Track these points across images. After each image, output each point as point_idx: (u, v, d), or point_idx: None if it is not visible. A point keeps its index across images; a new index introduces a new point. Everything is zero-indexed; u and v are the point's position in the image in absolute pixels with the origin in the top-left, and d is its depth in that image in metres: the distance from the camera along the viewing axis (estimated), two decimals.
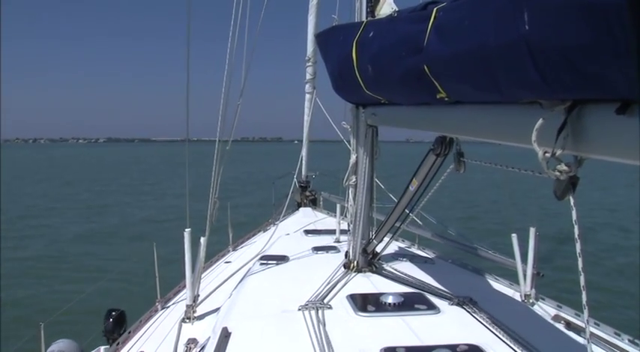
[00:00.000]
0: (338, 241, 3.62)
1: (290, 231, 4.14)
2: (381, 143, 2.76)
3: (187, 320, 2.62)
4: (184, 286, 2.81)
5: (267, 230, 4.67)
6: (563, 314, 2.28)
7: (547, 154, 1.03)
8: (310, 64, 5.29)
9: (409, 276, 2.57)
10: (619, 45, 0.77)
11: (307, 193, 5.74)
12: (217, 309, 2.55)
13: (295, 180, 5.51)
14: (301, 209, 5.51)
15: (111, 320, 3.09)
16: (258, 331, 1.96)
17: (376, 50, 1.91)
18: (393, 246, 3.21)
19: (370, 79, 2.02)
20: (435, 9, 1.45)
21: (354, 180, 2.79)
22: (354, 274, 2.65)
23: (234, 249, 4.29)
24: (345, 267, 2.74)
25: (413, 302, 2.16)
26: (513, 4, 1.01)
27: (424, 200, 2.46)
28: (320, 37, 2.78)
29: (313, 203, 5.69)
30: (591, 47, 0.83)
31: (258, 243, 3.94)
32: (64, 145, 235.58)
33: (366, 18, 2.50)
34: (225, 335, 1.89)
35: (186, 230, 2.77)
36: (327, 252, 3.23)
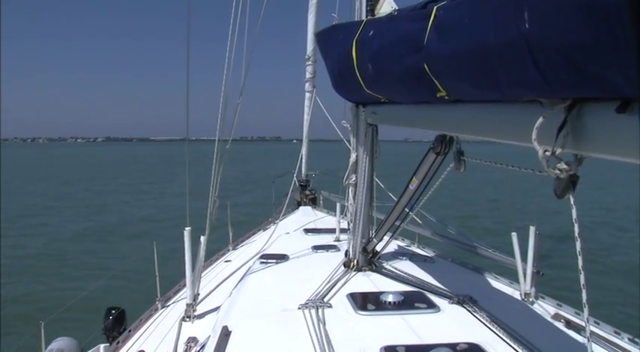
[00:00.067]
0: (338, 240, 3.63)
1: (290, 230, 4.14)
2: (380, 142, 2.76)
3: (187, 319, 2.62)
4: (184, 285, 2.82)
5: (267, 229, 4.67)
6: (563, 313, 2.28)
7: (547, 153, 1.03)
8: (310, 62, 5.28)
9: (409, 275, 2.57)
10: (619, 43, 0.77)
11: (307, 192, 5.74)
12: (217, 308, 2.55)
13: (295, 179, 5.51)
14: (301, 208, 5.51)
15: (111, 318, 3.09)
16: (258, 330, 1.96)
17: (376, 49, 1.91)
18: (393, 245, 3.21)
19: (370, 78, 2.02)
20: (435, 7, 1.45)
21: (354, 179, 2.79)
22: (354, 273, 2.65)
23: (234, 248, 4.29)
24: (345, 266, 2.75)
25: (413, 300, 2.16)
26: (513, 2, 1.01)
27: (424, 199, 2.46)
28: (320, 36, 2.78)
29: (313, 202, 5.70)
30: (591, 46, 0.83)
31: (258, 242, 3.94)
32: (63, 144, 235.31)
33: (366, 17, 2.50)
34: (226, 333, 1.89)
35: (186, 229, 2.77)
36: (327, 251, 3.23)
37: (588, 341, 1.32)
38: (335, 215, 4.25)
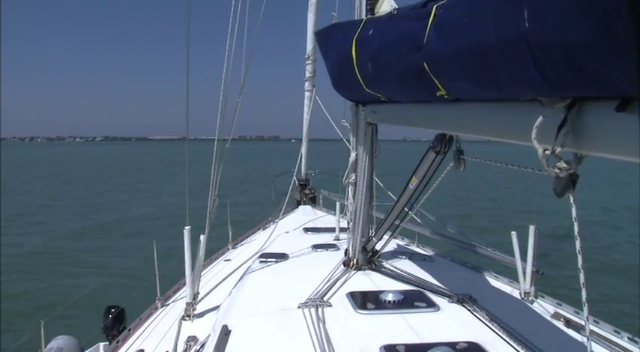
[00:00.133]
0: (337, 239, 3.63)
1: (289, 229, 4.14)
2: (379, 141, 2.76)
3: (187, 318, 2.62)
4: (184, 284, 2.82)
5: (266, 228, 4.67)
6: (562, 312, 2.29)
7: (547, 152, 1.03)
8: (310, 61, 5.28)
9: (409, 274, 2.58)
10: (619, 42, 0.77)
11: (307, 191, 5.74)
12: (217, 307, 2.55)
13: (295, 178, 5.50)
14: (301, 207, 5.51)
15: (110, 317, 3.10)
16: (258, 329, 1.96)
17: (376, 48, 1.91)
18: (393, 244, 3.21)
19: (370, 77, 2.02)
20: (434, 6, 1.45)
21: (353, 178, 2.79)
22: (353, 272, 2.65)
23: (233, 247, 4.29)
24: (344, 265, 2.75)
25: (412, 299, 2.17)
26: (513, 1, 1.01)
27: (424, 198, 2.46)
28: (320, 35, 2.78)
29: (313, 201, 5.69)
30: (591, 45, 0.83)
31: (258, 241, 3.94)
32: (61, 144, 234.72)
33: (366, 16, 2.50)
34: (225, 332, 1.89)
35: (186, 227, 2.77)
36: (327, 250, 3.23)
37: (588, 340, 1.32)
38: (335, 214, 4.25)
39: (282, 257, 3.07)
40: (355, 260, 2.74)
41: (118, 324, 3.09)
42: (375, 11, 2.45)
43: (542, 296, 2.52)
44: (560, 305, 2.39)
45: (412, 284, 2.41)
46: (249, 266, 2.98)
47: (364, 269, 2.69)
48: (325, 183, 5.96)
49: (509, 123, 1.28)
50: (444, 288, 2.33)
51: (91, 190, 21.45)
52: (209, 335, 2.05)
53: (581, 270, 1.12)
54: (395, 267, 2.71)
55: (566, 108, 1.01)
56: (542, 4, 0.94)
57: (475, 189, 18.74)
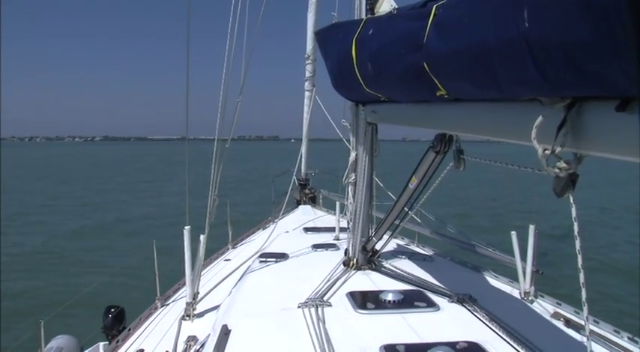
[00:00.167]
0: (337, 239, 3.63)
1: (289, 229, 4.14)
2: (379, 141, 2.76)
3: (187, 318, 2.62)
4: (184, 283, 2.82)
5: (266, 228, 4.67)
6: (562, 312, 2.29)
7: (547, 151, 1.03)
8: (310, 61, 5.28)
9: (409, 274, 2.58)
10: (619, 42, 0.77)
11: (307, 191, 5.74)
12: (217, 307, 2.55)
13: (295, 177, 5.50)
14: (300, 207, 5.51)
15: (110, 316, 3.10)
16: (257, 328, 1.96)
17: (376, 48, 1.91)
18: (393, 244, 3.21)
19: (370, 77, 2.02)
20: (434, 6, 1.45)
21: (353, 177, 2.79)
22: (353, 272, 2.66)
23: (233, 247, 4.29)
24: (344, 265, 2.75)
25: (412, 299, 2.17)
26: (513, 1, 1.01)
27: (423, 198, 2.46)
28: (319, 35, 2.78)
29: (312, 201, 5.69)
30: (591, 44, 0.83)
31: (258, 241, 3.94)
32: (61, 143, 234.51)
33: (366, 15, 2.50)
34: (225, 332, 1.89)
35: (186, 227, 2.76)
36: (327, 250, 3.23)
37: (588, 339, 1.32)
38: (334, 214, 4.25)
39: (282, 257, 3.07)
40: (355, 260, 2.74)
41: (118, 324, 3.09)
42: (375, 11, 2.45)
43: (542, 296, 2.52)
44: (560, 304, 2.39)
45: (412, 284, 2.41)
46: (249, 266, 2.98)
47: (364, 269, 2.70)
48: (325, 183, 5.96)
49: (509, 123, 1.28)
50: (443, 288, 2.33)
51: (90, 190, 21.46)
52: (209, 334, 2.05)
53: (581, 270, 1.12)
54: (395, 267, 2.71)
55: (566, 108, 1.01)
56: (542, 4, 0.94)
57: (473, 189, 18.76)
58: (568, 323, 2.16)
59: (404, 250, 3.29)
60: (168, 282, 3.37)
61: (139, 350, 2.48)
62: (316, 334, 1.82)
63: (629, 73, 0.79)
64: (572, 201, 1.08)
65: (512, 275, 2.72)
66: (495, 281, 2.78)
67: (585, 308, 1.17)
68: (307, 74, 5.35)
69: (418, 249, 3.49)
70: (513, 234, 2.58)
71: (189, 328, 2.49)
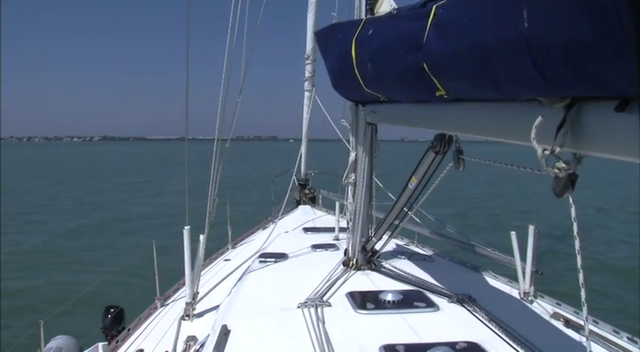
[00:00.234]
0: (337, 239, 3.63)
1: (289, 229, 4.14)
2: (378, 141, 2.76)
3: (187, 318, 2.62)
4: (184, 283, 2.81)
5: (266, 228, 4.66)
6: (562, 312, 2.29)
7: (546, 152, 1.03)
8: (309, 61, 5.27)
9: (408, 274, 2.58)
10: (618, 42, 0.77)
11: (306, 191, 5.74)
12: (217, 307, 2.55)
13: (294, 177, 5.50)
14: (300, 207, 5.51)
15: (109, 317, 3.09)
16: (257, 328, 1.96)
17: (375, 48, 1.91)
18: (392, 244, 3.22)
19: (369, 77, 2.02)
20: (434, 6, 1.45)
21: (353, 177, 2.80)
22: (353, 272, 2.66)
23: (233, 247, 4.29)
24: (344, 265, 2.75)
25: (412, 299, 2.17)
26: (512, 1, 1.01)
27: (423, 198, 2.46)
28: (319, 35, 2.78)
29: (312, 201, 5.69)
30: (590, 44, 0.83)
31: (257, 241, 3.94)
32: (59, 144, 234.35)
33: (366, 15, 2.51)
34: (225, 332, 1.89)
35: (186, 227, 2.76)
36: (327, 250, 3.23)
37: (587, 339, 1.32)
38: (334, 214, 4.25)
39: (281, 257, 3.07)
40: (355, 260, 2.74)
41: (117, 324, 3.09)
42: (375, 11, 2.46)
43: (542, 296, 2.52)
44: (560, 305, 2.39)
45: (412, 284, 2.41)
46: (249, 266, 2.98)
47: (364, 269, 2.70)
48: (325, 183, 5.97)
49: (508, 123, 1.29)
50: (443, 288, 2.33)
51: (89, 189, 21.46)
52: (208, 334, 2.04)
53: (581, 270, 1.13)
54: (394, 267, 2.71)
55: (566, 108, 1.01)
56: (542, 4, 0.94)
57: (470, 189, 18.78)
58: (567, 323, 2.16)
59: (403, 250, 3.29)
60: (168, 282, 3.36)
61: (139, 350, 2.48)
62: (316, 334, 1.82)
63: (629, 73, 0.79)
64: (571, 201, 1.08)
65: (511, 276, 2.73)
66: (495, 282, 2.78)
67: (585, 309, 1.18)
68: (307, 74, 5.35)
69: (418, 249, 3.49)
70: (513, 234, 2.58)
71: (189, 328, 2.48)
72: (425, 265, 2.85)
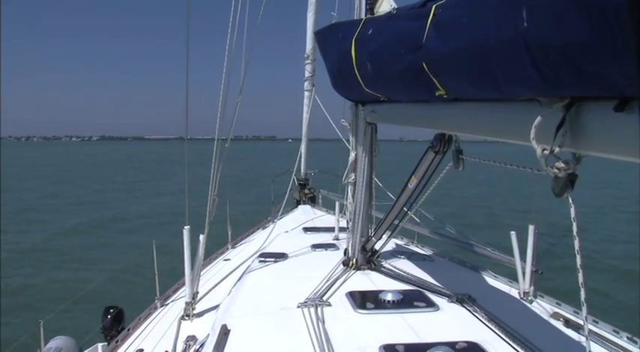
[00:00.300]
0: (337, 239, 3.63)
1: (289, 229, 4.14)
2: (378, 141, 2.76)
3: (186, 318, 2.62)
4: (183, 283, 2.81)
5: (266, 227, 4.66)
6: (561, 312, 2.29)
7: (545, 151, 1.03)
8: (309, 61, 5.27)
9: (408, 274, 2.58)
10: (618, 42, 0.78)
11: (306, 191, 5.74)
12: (216, 306, 2.55)
13: (294, 177, 5.50)
14: (300, 206, 5.51)
15: (109, 317, 3.09)
16: (257, 328, 1.96)
17: (375, 47, 1.91)
18: (392, 244, 3.22)
19: (369, 77, 2.03)
20: (434, 6, 1.45)
21: (353, 177, 2.80)
22: (353, 271, 2.66)
23: (233, 247, 4.28)
24: (344, 265, 2.75)
25: (412, 299, 2.17)
26: (511, 1, 1.01)
27: (423, 197, 2.46)
28: (319, 35, 2.78)
29: (312, 200, 5.69)
30: (590, 44, 0.83)
31: (257, 241, 3.93)
32: (58, 143, 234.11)
33: (365, 15, 2.51)
34: (225, 332, 1.89)
35: (185, 227, 2.76)
36: (326, 250, 3.23)
37: (587, 339, 1.33)
38: (334, 214, 4.25)
39: (281, 256, 3.07)
40: (354, 259, 2.74)
41: (117, 325, 3.09)
42: (375, 11, 2.46)
43: (542, 296, 2.52)
44: (560, 304, 2.39)
45: (411, 284, 2.42)
46: (249, 266, 2.98)
47: (363, 269, 2.70)
48: (324, 183, 5.97)
49: (507, 123, 1.29)
50: (443, 288, 2.34)
51: (87, 189, 21.46)
52: (208, 334, 2.05)
53: (580, 270, 1.13)
54: (394, 267, 2.72)
55: (565, 108, 1.01)
56: (541, 4, 0.94)
57: (468, 188, 18.80)
58: (567, 323, 2.16)
59: (403, 250, 3.29)
60: (166, 281, 3.36)
61: (139, 349, 2.48)
62: (316, 334, 1.82)
63: (628, 73, 0.79)
64: (570, 201, 1.09)
65: (511, 275, 2.73)
66: (495, 281, 2.78)
67: (584, 308, 1.18)
68: (307, 74, 5.35)
69: (417, 249, 3.49)
70: (513, 233, 2.59)
71: (189, 328, 2.48)
72: (425, 265, 2.85)
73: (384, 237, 2.77)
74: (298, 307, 2.13)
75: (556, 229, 8.06)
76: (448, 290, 2.29)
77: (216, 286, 2.92)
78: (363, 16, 2.52)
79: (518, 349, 1.72)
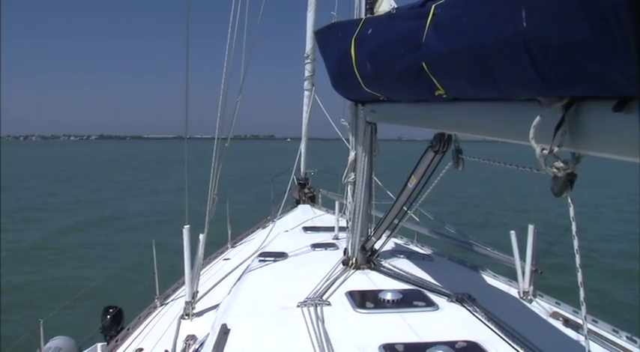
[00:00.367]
0: (337, 238, 3.64)
1: (289, 228, 4.14)
2: (378, 141, 2.76)
3: (186, 317, 2.62)
4: (183, 283, 2.81)
5: (265, 227, 4.66)
6: (561, 311, 2.29)
7: (545, 151, 1.03)
8: (309, 61, 5.27)
9: (408, 273, 2.59)
10: (617, 42, 0.78)
11: (306, 190, 5.74)
12: (216, 306, 2.55)
13: (294, 177, 5.50)
14: (300, 206, 5.52)
15: (108, 317, 3.09)
16: (257, 327, 1.96)
17: (375, 47, 1.91)
18: (392, 243, 3.22)
19: (369, 76, 2.03)
20: (433, 6, 1.45)
21: (352, 177, 2.80)
22: (352, 271, 2.66)
23: (232, 246, 4.29)
24: (343, 264, 2.76)
25: (411, 298, 2.17)
26: (511, 1, 1.01)
27: (422, 197, 2.47)
28: (319, 34, 2.78)
29: (312, 200, 5.70)
30: (589, 44, 0.83)
31: (257, 240, 3.94)
32: (56, 142, 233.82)
33: (365, 15, 2.51)
34: (225, 331, 1.89)
35: (185, 226, 2.76)
36: (326, 249, 3.24)
37: (586, 339, 1.33)
38: (334, 213, 4.26)
39: (281, 256, 3.07)
40: (354, 259, 2.74)
41: (116, 325, 3.08)
42: (375, 11, 2.46)
43: (541, 296, 2.52)
44: (559, 304, 2.39)
45: (411, 284, 2.42)
46: (249, 265, 2.98)
47: (363, 269, 2.70)
48: (324, 182, 5.97)
49: (507, 122, 1.29)
50: (442, 287, 2.34)
51: (86, 188, 21.44)
52: (208, 333, 2.05)
53: (579, 269, 1.13)
54: (394, 266, 2.72)
55: (564, 108, 1.01)
56: (540, 4, 0.94)
57: (467, 188, 18.82)
58: (567, 322, 2.16)
59: (403, 249, 3.30)
60: (166, 280, 3.36)
61: (138, 349, 2.48)
62: (315, 333, 1.82)
63: (627, 73, 0.79)
64: (570, 200, 1.09)
65: (511, 275, 2.73)
66: (494, 281, 2.79)
67: (583, 308, 1.18)
68: (307, 73, 5.34)
69: (417, 249, 3.50)
70: (512, 233, 2.59)
71: (189, 327, 2.48)
72: (424, 264, 2.85)
73: (384, 236, 2.77)
74: (298, 306, 2.13)
75: (555, 228, 8.07)
76: (448, 289, 2.30)
77: (216, 285, 2.92)
78: (362, 16, 2.52)
79: (518, 348, 1.72)
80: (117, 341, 2.64)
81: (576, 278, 1.12)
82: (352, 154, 2.78)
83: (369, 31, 1.99)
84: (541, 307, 2.40)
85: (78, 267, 8.28)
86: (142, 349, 2.47)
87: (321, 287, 2.34)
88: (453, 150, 2.16)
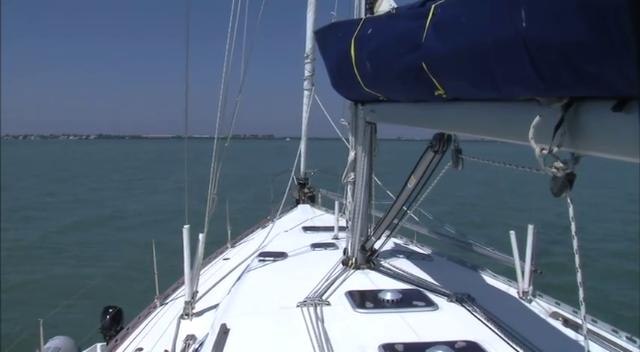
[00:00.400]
0: (336, 238, 3.64)
1: (288, 228, 4.14)
2: (377, 140, 2.77)
3: (186, 317, 2.62)
4: (183, 282, 2.81)
5: (265, 227, 4.66)
6: (560, 311, 2.29)
7: (544, 151, 1.03)
8: (309, 60, 5.27)
9: (407, 273, 2.59)
10: (616, 42, 0.78)
11: (306, 190, 5.74)
12: (216, 306, 2.55)
13: (293, 176, 5.50)
14: (299, 206, 5.52)
15: (108, 317, 3.09)
16: (256, 327, 1.96)
17: (374, 47, 1.91)
18: (391, 243, 3.23)
19: (369, 76, 2.03)
20: (433, 6, 1.45)
21: (352, 177, 2.80)
22: (352, 271, 2.66)
23: (232, 246, 4.29)
24: (343, 264, 2.76)
25: (411, 298, 2.18)
26: (510, 1, 1.01)
27: (422, 197, 2.47)
28: (319, 34, 2.78)
29: (311, 200, 5.70)
30: (588, 44, 0.83)
31: (257, 240, 3.94)
32: (55, 141, 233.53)
33: (365, 15, 2.51)
34: (224, 331, 1.89)
35: (185, 226, 2.76)
36: (326, 249, 3.24)
37: (586, 339, 1.33)
38: (333, 213, 4.26)
39: (281, 256, 3.07)
40: (354, 259, 2.74)
41: (116, 325, 3.08)
42: (374, 10, 2.46)
43: (541, 296, 2.52)
44: (559, 304, 2.40)
45: (411, 284, 2.42)
46: (248, 265, 2.98)
47: (363, 269, 2.70)
48: (324, 182, 5.97)
49: (506, 122, 1.29)
50: (442, 287, 2.34)
51: (85, 187, 21.43)
52: (208, 333, 2.05)
53: (579, 269, 1.13)
54: (393, 266, 2.72)
55: (563, 108, 1.01)
56: (540, 4, 0.94)
57: (469, 188, 18.83)
58: (566, 322, 2.16)
59: (402, 249, 3.30)
60: (165, 279, 3.36)
61: (138, 348, 2.48)
62: (315, 333, 1.83)
63: (627, 73, 0.79)
64: (569, 200, 1.09)
65: (510, 275, 2.73)
66: (494, 281, 2.79)
67: (583, 308, 1.18)
68: (306, 73, 5.34)
69: (417, 249, 3.50)
70: (512, 233, 2.59)
71: (188, 327, 2.49)
72: (424, 264, 2.86)
73: (384, 236, 2.77)
74: (298, 306, 2.13)
75: (554, 228, 8.08)
76: (447, 289, 2.30)
77: (216, 285, 2.93)
78: (362, 16, 2.53)
79: (517, 348, 1.72)
80: (116, 340, 2.64)
81: (576, 278, 1.12)
82: (352, 154, 2.78)
83: (369, 31, 1.99)
84: (540, 307, 2.40)
85: (77, 267, 8.28)
86: (141, 349, 2.47)
87: (320, 287, 2.34)
88: (453, 150, 2.16)
